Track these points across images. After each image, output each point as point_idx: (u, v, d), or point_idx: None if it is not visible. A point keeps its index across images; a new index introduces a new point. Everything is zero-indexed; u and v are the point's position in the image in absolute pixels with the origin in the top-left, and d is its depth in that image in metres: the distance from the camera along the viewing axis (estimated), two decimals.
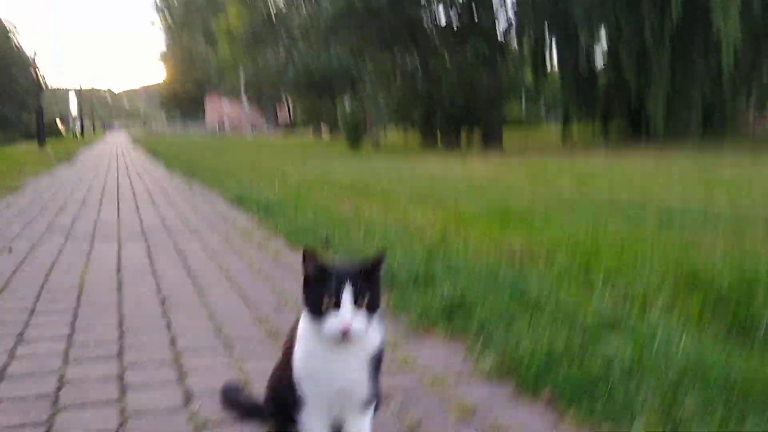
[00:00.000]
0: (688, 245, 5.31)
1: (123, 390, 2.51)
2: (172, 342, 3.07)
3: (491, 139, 26.78)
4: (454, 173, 14.08)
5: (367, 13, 25.59)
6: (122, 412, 2.32)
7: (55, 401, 2.41)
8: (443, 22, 28.98)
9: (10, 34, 37.80)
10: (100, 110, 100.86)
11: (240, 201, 8.33)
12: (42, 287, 4.19)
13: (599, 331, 2.94)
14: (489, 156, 20.15)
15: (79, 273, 4.59)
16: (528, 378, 2.54)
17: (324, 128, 48.86)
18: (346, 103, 32.33)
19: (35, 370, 2.73)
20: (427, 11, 28.37)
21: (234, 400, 2.29)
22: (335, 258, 1.69)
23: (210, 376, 2.60)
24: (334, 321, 1.65)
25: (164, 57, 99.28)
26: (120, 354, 2.90)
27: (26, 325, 3.37)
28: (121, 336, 3.16)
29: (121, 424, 2.22)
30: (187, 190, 10.51)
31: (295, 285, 4.09)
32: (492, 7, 27.46)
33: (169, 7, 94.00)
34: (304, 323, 1.78)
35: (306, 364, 1.78)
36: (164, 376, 2.66)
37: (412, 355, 2.86)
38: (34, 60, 39.34)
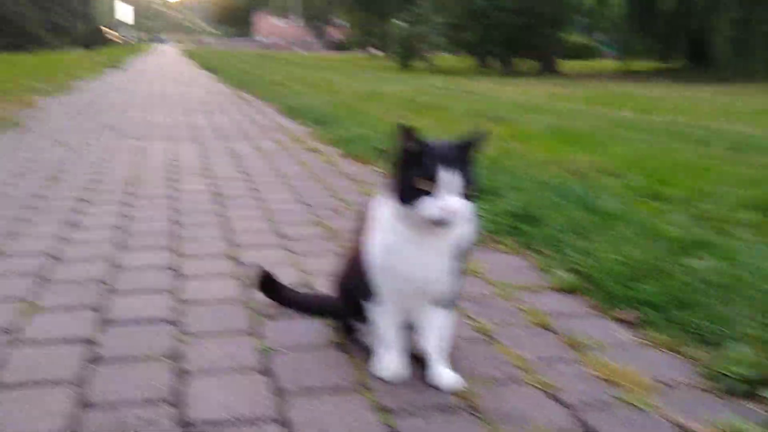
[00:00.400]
0: (764, 167, 5.01)
1: (178, 279, 2.41)
2: (228, 237, 2.96)
3: (548, 66, 25.84)
4: (511, 94, 13.61)
5: None
6: (177, 299, 2.22)
7: (109, 286, 2.32)
8: None
9: None
10: (155, 21, 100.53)
11: (292, 111, 8.14)
12: (97, 180, 4.11)
13: (683, 246, 2.72)
14: (545, 82, 19.46)
15: (134, 168, 4.51)
16: (607, 292, 2.35)
17: (375, 49, 47.89)
18: (399, 23, 31.40)
19: (89, 255, 2.65)
20: None
21: (272, 289, 2.16)
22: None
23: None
24: (433, 204, 1.47)
25: None
26: (175, 246, 2.80)
27: (80, 212, 3.30)
28: (176, 229, 3.07)
29: (175, 311, 2.12)
30: (239, 100, 10.35)
31: (351, 191, 3.95)
32: None
33: None
34: (384, 208, 1.61)
35: (384, 254, 1.61)
36: (220, 268, 2.55)
37: (480, 265, 2.69)
38: None
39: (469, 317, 2.17)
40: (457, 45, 29.62)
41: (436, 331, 1.73)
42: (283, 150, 5.52)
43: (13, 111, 7.22)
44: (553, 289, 2.49)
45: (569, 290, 2.46)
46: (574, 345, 2.00)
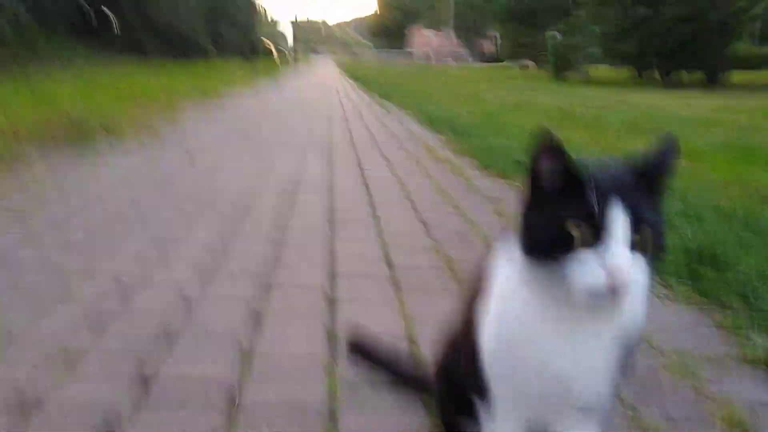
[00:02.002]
0: None
1: (249, 321, 1.95)
2: (329, 263, 2.48)
3: (714, 77, 23.65)
4: (673, 106, 12.38)
5: None
6: (241, 350, 1.76)
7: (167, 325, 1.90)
8: None
9: None
10: (312, 35, 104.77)
11: (431, 121, 7.66)
12: (208, 192, 3.80)
13: None
14: (711, 95, 17.75)
15: (254, 180, 4.18)
16: None
17: (529, 61, 46.78)
18: (555, 33, 30.25)
19: (160, 281, 2.26)
20: None
21: (367, 353, 1.62)
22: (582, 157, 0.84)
23: (358, 313, 1.97)
24: (594, 265, 0.86)
25: None
26: (264, 273, 2.36)
27: (175, 228, 2.96)
28: (274, 251, 2.62)
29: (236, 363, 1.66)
30: (380, 110, 10.04)
31: (481, 211, 3.37)
32: None
33: None
34: (508, 266, 1.00)
35: (503, 337, 1.01)
36: (303, 306, 2.07)
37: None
38: None
39: (627, 406, 1.53)
40: (614, 56, 28.01)
41: None
42: (414, 161, 5.03)
43: (157, 119, 7.27)
44: (747, 361, 1.79)
45: None
46: None
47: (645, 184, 0.92)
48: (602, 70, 31.09)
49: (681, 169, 4.62)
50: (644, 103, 13.08)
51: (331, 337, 1.85)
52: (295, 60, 50.50)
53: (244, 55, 33.14)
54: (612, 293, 0.86)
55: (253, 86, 15.21)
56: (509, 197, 3.74)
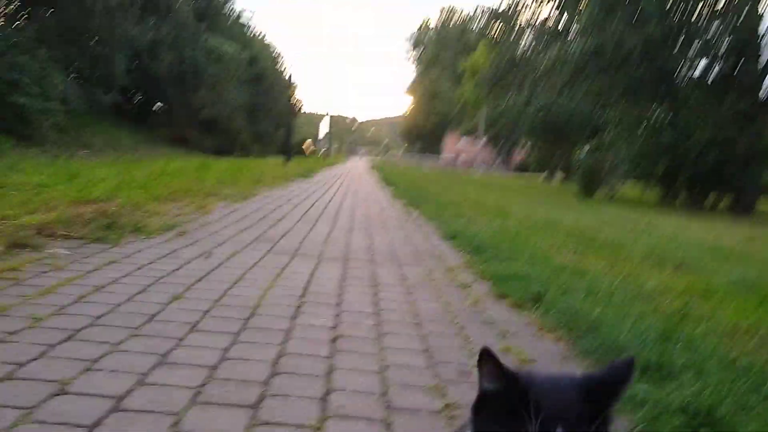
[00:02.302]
0: None
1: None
2: (321, 398, 2.49)
3: (742, 206, 23.60)
4: (698, 233, 12.36)
5: (616, 59, 24.03)
6: None
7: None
8: (696, 74, 26.31)
9: (276, 56, 41.54)
10: (345, 135, 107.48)
11: (453, 236, 7.75)
12: (218, 302, 3.87)
13: None
14: (739, 222, 17.70)
15: (264, 290, 4.25)
16: None
17: (556, 174, 47.32)
18: (584, 151, 30.68)
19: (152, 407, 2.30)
20: (683, 62, 25.92)
21: None
22: (530, 368, 0.84)
23: None
24: None
25: (411, 90, 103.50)
26: (253, 404, 2.38)
27: (179, 344, 3.01)
28: (267, 380, 2.64)
29: None
30: (405, 220, 10.19)
31: (491, 345, 3.37)
32: (758, 62, 24.44)
33: (422, 43, 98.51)
34: None
35: None
36: None
37: None
38: (292, 84, 42.82)
39: None
40: (642, 175, 28.26)
41: None
42: (429, 282, 5.08)
43: (188, 215, 7.48)
44: None
45: None
46: None
47: (592, 407, 0.93)
48: (630, 189, 31.30)
49: (695, 309, 4.62)
50: (669, 229, 13.08)
51: None
52: (329, 156, 51.76)
53: (282, 151, 34.11)
54: None
55: (287, 185, 15.58)
56: (522, 331, 3.75)
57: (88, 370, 2.55)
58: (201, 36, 33.61)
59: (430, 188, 18.75)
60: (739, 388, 2.77)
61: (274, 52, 40.84)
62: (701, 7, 24.79)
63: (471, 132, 75.90)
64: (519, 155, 70.64)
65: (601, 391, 0.96)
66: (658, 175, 26.37)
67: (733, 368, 3.10)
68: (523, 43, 40.56)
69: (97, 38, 25.00)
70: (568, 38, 29.56)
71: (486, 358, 0.95)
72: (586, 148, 28.99)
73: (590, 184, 26.96)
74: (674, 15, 24.72)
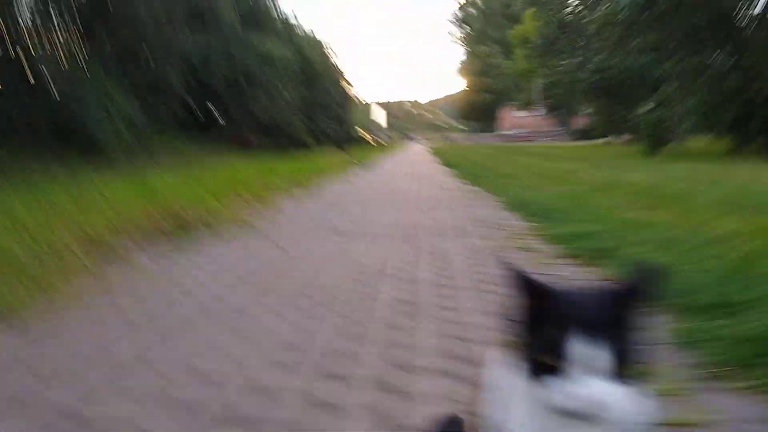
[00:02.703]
0: None
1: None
2: (392, 356, 2.66)
3: None
4: None
5: (669, 6, 23.23)
6: None
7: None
8: (757, 11, 25.07)
9: (326, 50, 41.89)
10: (405, 121, 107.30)
11: (517, 205, 7.79)
12: (281, 284, 4.08)
13: None
14: None
15: (331, 271, 4.45)
16: None
17: (621, 135, 46.21)
18: (646, 107, 29.83)
19: None
20: (741, 1, 24.78)
21: None
22: (568, 283, 0.96)
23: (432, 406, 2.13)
24: (563, 389, 1.01)
25: (462, 69, 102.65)
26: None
27: (236, 324, 3.22)
28: (323, 355, 2.84)
29: None
30: (467, 194, 10.25)
31: None
32: None
33: (467, 20, 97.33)
34: (510, 374, 1.13)
35: None
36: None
37: (702, 413, 2.09)
38: (343, 75, 43.16)
39: None
40: (711, 126, 27.28)
41: None
42: (494, 249, 5.17)
43: (253, 212, 7.76)
44: None
45: None
46: None
47: (617, 314, 1.04)
48: (699, 141, 30.30)
49: None
50: (742, 178, 12.70)
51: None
52: (389, 144, 51.98)
53: (339, 144, 34.44)
54: (581, 413, 0.99)
55: (346, 176, 15.83)
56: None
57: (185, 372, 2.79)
58: (250, 42, 34.26)
59: (491, 165, 18.67)
60: None
61: (324, 47, 41.28)
62: None
63: (527, 104, 74.82)
64: (580, 122, 69.23)
65: (624, 293, 1.06)
66: (727, 123, 25.40)
67: None
68: (570, 3, 39.66)
69: (152, 55, 25.81)
70: None
71: (520, 277, 1.07)
72: (648, 105, 28.22)
73: (656, 142, 26.28)
74: None
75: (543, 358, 1.02)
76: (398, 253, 5.16)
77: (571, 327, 1.00)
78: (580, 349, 1.00)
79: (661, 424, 2.00)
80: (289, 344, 2.87)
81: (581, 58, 36.43)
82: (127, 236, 5.78)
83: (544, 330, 1.03)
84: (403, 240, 5.79)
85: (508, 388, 1.15)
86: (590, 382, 0.99)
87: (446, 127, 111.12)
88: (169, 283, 4.27)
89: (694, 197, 8.32)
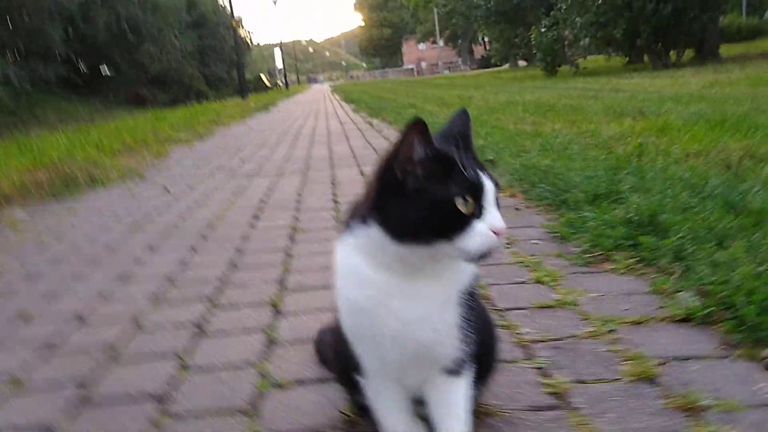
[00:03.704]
0: None
1: (195, 339, 2.04)
2: (282, 279, 2.57)
3: (706, 53, 23.51)
4: (662, 87, 12.39)
5: None
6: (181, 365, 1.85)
7: (114, 353, 1.99)
8: None
9: None
10: (304, 62, 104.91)
11: None
12: (176, 225, 3.90)
13: None
14: (704, 69, 17.70)
15: (223, 208, 4.29)
16: (750, 323, 1.69)
17: (520, 60, 46.90)
18: (541, 28, 30.25)
19: (114, 314, 2.35)
20: None
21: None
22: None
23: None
24: (484, 230, 0.99)
25: (358, 3, 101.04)
26: (215, 295, 2.45)
27: (139, 262, 3.06)
28: (227, 274, 2.72)
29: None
30: (367, 127, 10.13)
31: None
32: None
33: None
34: (349, 253, 1.09)
35: (357, 315, 1.11)
36: (250, 321, 2.16)
37: (577, 294, 2.10)
38: (238, 20, 41.64)
39: (541, 374, 1.60)
40: (604, 44, 27.96)
41: (448, 408, 1.19)
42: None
43: (143, 162, 7.41)
44: (671, 320, 1.85)
45: (694, 321, 1.81)
46: (693, 410, 1.38)
47: (468, 144, 1.08)
48: (595, 60, 31.10)
49: (652, 144, 4.69)
50: (632, 87, 13.12)
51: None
52: (289, 88, 50.82)
53: (238, 90, 33.46)
54: (496, 247, 1.00)
55: (246, 120, 15.38)
56: None
57: (48, 298, 2.60)
58: None
59: (392, 98, 18.56)
60: (679, 196, 2.85)
61: None
62: None
63: (427, 36, 74.70)
64: (480, 51, 69.80)
65: (463, 132, 1.12)
66: (618, 39, 26.08)
67: (678, 183, 3.17)
68: None
69: (25, 11, 24.12)
70: None
71: (418, 129, 0.99)
72: (543, 26, 28.61)
73: (552, 62, 26.77)
74: None
75: (463, 206, 0.98)
76: (291, 186, 5.02)
77: (475, 166, 1.02)
78: (488, 184, 1.01)
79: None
80: (168, 278, 2.72)
81: None
82: (1, 195, 5.42)
83: (450, 177, 1.00)
84: (293, 174, 5.64)
85: (345, 267, 1.11)
86: (497, 215, 1.01)
87: (348, 64, 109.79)
88: (43, 231, 4.04)
89: (584, 109, 8.50)
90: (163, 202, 4.78)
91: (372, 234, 1.03)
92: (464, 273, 1.10)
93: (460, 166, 1.00)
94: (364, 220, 1.05)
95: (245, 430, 1.48)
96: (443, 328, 1.09)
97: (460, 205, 0.97)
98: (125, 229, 3.87)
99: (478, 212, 0.99)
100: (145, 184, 5.81)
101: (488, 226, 0.99)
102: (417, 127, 0.98)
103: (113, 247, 3.46)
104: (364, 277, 1.06)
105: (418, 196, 0.99)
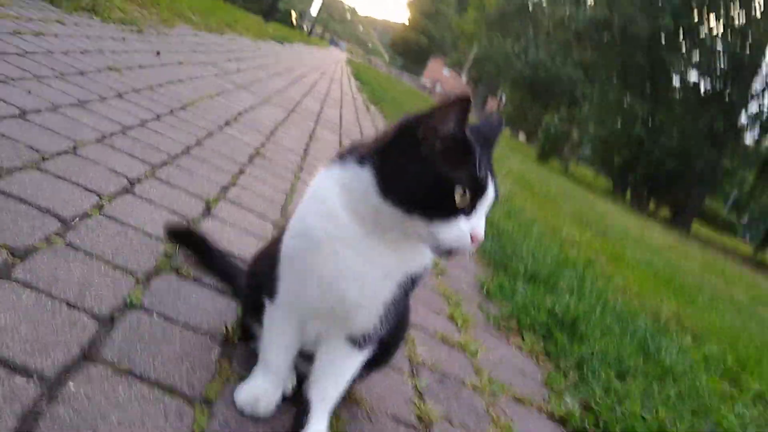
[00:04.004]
0: None
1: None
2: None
3: (679, 220, 24.38)
4: (628, 223, 12.74)
5: (620, 33, 23.95)
6: None
7: None
8: (691, 79, 26.46)
9: None
10: (336, 23, 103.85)
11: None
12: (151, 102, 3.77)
13: None
14: (671, 232, 18.29)
15: (202, 96, 4.17)
16: None
17: (522, 133, 47.58)
18: (554, 118, 30.81)
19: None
20: (681, 61, 25.94)
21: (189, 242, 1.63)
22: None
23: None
24: (465, 228, 0.97)
25: (412, 4, 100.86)
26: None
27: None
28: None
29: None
30: (362, 105, 10.10)
31: None
32: (748, 88, 24.78)
33: None
34: (330, 181, 1.06)
35: (302, 241, 1.07)
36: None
37: (478, 345, 2.13)
38: None
39: (418, 394, 1.59)
40: (600, 161, 28.70)
41: (332, 374, 1.17)
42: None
43: (148, 20, 7.15)
44: (549, 415, 1.87)
45: (568, 427, 1.83)
46: None
47: (490, 150, 1.06)
48: (584, 172, 31.80)
49: (599, 263, 4.79)
50: (605, 209, 13.46)
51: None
52: (312, 42, 50.13)
53: (264, 11, 32.87)
54: (461, 252, 0.99)
55: (256, 40, 15.08)
56: None
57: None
58: None
59: (397, 97, 18.53)
60: (606, 319, 2.91)
61: None
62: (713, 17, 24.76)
63: (455, 65, 75.10)
64: (493, 105, 70.54)
65: (493, 133, 1.11)
66: (613, 165, 26.81)
67: (609, 307, 3.24)
68: None
69: None
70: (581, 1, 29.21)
71: (467, 101, 0.95)
72: (556, 115, 29.15)
73: (548, 149, 27.30)
74: (689, 15, 24.61)
75: (458, 197, 0.96)
76: (267, 109, 4.93)
77: (489, 170, 1.01)
78: (490, 192, 1.00)
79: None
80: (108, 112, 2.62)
81: (524, 45, 36.88)
82: None
83: (463, 168, 0.98)
84: (278, 106, 5.55)
85: (318, 191, 1.08)
86: (482, 224, 1.00)
87: (374, 49, 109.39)
88: (24, 22, 3.84)
89: (557, 203, 8.68)
90: (149, 62, 4.62)
91: (362, 176, 1.00)
92: (420, 260, 1.08)
93: (476, 160, 0.97)
94: (361, 160, 1.02)
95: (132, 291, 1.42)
96: (372, 297, 1.06)
97: (458, 194, 0.96)
98: (101, 66, 3.71)
99: (467, 210, 0.98)
100: (139, 39, 5.61)
101: (470, 227, 0.97)
102: (461, 104, 0.95)
103: (84, 74, 3.31)
104: (330, 211, 1.03)
105: (424, 165, 0.97)
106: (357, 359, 1.16)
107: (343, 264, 1.03)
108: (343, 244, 1.02)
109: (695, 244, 17.30)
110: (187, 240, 1.60)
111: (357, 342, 1.12)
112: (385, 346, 1.20)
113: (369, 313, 1.08)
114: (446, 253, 0.99)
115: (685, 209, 25.15)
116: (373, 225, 1.01)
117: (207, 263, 1.58)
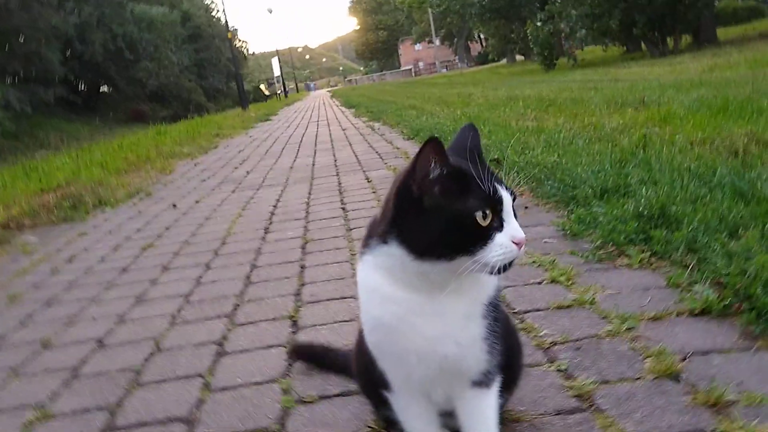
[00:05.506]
0: None
1: (218, 357, 2.05)
2: (296, 293, 2.58)
3: (703, 38, 23.44)
4: (660, 75, 12.36)
5: None
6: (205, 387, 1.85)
7: (135, 376, 2.00)
8: None
9: (209, 5, 40.22)
10: (301, 69, 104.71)
11: (415, 134, 7.73)
12: (188, 242, 3.91)
13: None
14: (702, 54, 17.64)
15: (232, 222, 4.29)
16: (766, 318, 1.69)
17: (517, 55, 46.83)
18: (537, 24, 30.18)
19: (131, 339, 2.36)
20: None
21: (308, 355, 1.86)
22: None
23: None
24: (506, 241, 1.01)
25: (353, 8, 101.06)
26: (232, 313, 2.46)
27: (155, 282, 3.07)
28: (244, 289, 2.73)
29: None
30: (368, 131, 10.15)
31: None
32: None
33: None
34: (370, 272, 1.10)
35: (382, 333, 1.12)
36: (269, 338, 2.16)
37: (593, 292, 2.11)
38: (233, 31, 41.68)
39: (564, 376, 1.60)
40: (600, 35, 27.88)
41: (479, 420, 1.19)
42: (393, 177, 5.12)
43: (148, 180, 7.42)
44: (689, 314, 1.84)
45: (712, 314, 1.81)
46: (719, 405, 1.38)
47: (480, 157, 1.08)
48: (593, 51, 31.02)
49: (655, 135, 4.68)
50: (631, 77, 13.10)
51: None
52: (288, 96, 50.81)
53: (237, 101, 33.50)
54: (517, 258, 1.02)
55: (247, 131, 15.40)
56: None
57: (67, 324, 2.62)
58: (126, 7, 32.49)
59: (392, 100, 18.57)
60: (688, 187, 2.85)
61: (207, 2, 39.52)
62: None
63: (423, 37, 74.63)
64: (477, 47, 69.76)
65: (474, 146, 1.12)
66: (614, 30, 26.00)
67: (686, 174, 3.16)
68: None
69: (22, 36, 24.20)
70: None
71: (436, 140, 0.99)
72: (538, 20, 28.57)
73: (550, 56, 26.73)
74: None
75: (483, 220, 1.00)
76: (298, 195, 5.03)
77: (491, 180, 1.03)
78: (506, 197, 1.03)
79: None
80: (185, 297, 2.73)
81: None
82: (11, 218, 5.46)
83: (469, 192, 1.01)
84: (303, 182, 5.65)
85: (367, 287, 1.13)
86: (516, 225, 1.03)
87: (346, 69, 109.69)
88: (54, 255, 4.07)
89: (585, 102, 8.50)
90: (172, 218, 4.79)
91: (392, 252, 1.04)
92: (487, 285, 1.11)
93: (478, 180, 1.01)
94: (383, 239, 1.06)
95: None
96: (467, 342, 1.09)
97: (480, 219, 0.99)
98: (137, 249, 3.88)
99: (498, 224, 1.01)
100: (152, 201, 5.83)
101: (509, 237, 1.00)
102: (432, 146, 0.99)
103: (127, 268, 3.47)
104: (386, 295, 1.07)
105: (436, 213, 1.00)
106: (492, 395, 1.18)
107: (426, 331, 1.06)
108: (414, 314, 1.06)
109: (731, 50, 16.64)
110: (308, 352, 1.73)
111: (482, 382, 1.15)
112: (508, 365, 1.23)
113: (475, 355, 1.11)
114: (502, 269, 1.01)
115: (700, 26, 24.19)
116: (428, 285, 1.04)
117: (329, 365, 1.75)
